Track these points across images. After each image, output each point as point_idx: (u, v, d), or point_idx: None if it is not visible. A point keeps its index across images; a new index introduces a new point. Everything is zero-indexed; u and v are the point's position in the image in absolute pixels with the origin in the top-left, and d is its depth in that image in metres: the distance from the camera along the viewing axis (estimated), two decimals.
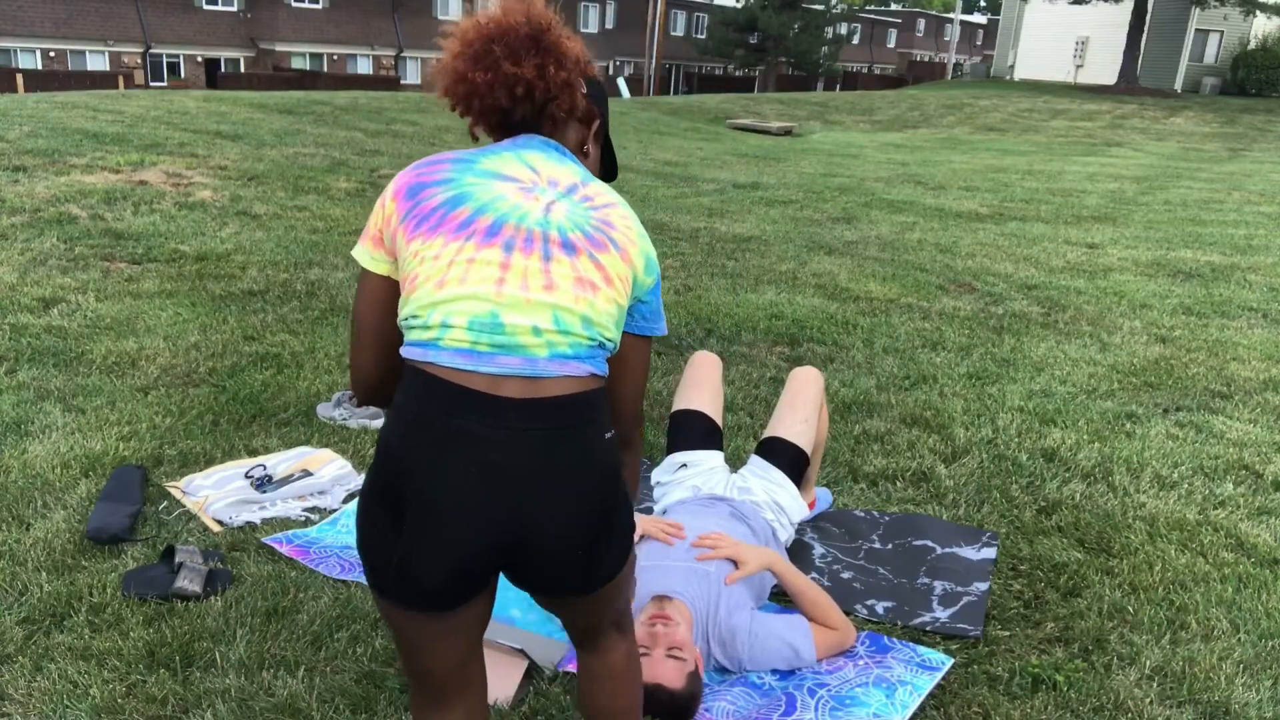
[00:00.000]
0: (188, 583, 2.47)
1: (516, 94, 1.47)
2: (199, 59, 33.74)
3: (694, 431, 2.90)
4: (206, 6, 33.81)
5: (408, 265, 1.43)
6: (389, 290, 1.50)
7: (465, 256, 1.39)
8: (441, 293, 1.38)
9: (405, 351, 1.41)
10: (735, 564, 2.43)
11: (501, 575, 2.28)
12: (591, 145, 1.65)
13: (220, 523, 2.88)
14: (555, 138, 1.57)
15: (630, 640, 1.69)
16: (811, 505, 3.10)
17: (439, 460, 1.32)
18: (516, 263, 1.39)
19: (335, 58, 36.24)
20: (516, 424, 1.33)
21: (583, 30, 44.57)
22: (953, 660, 2.38)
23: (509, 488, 1.33)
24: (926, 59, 61.67)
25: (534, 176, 1.47)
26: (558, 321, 1.38)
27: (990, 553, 2.90)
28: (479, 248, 1.39)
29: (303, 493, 3.07)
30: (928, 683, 2.28)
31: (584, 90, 1.56)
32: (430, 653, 1.47)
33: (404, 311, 1.43)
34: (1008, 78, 35.47)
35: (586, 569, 1.44)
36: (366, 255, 1.51)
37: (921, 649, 2.42)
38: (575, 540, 1.39)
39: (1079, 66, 33.84)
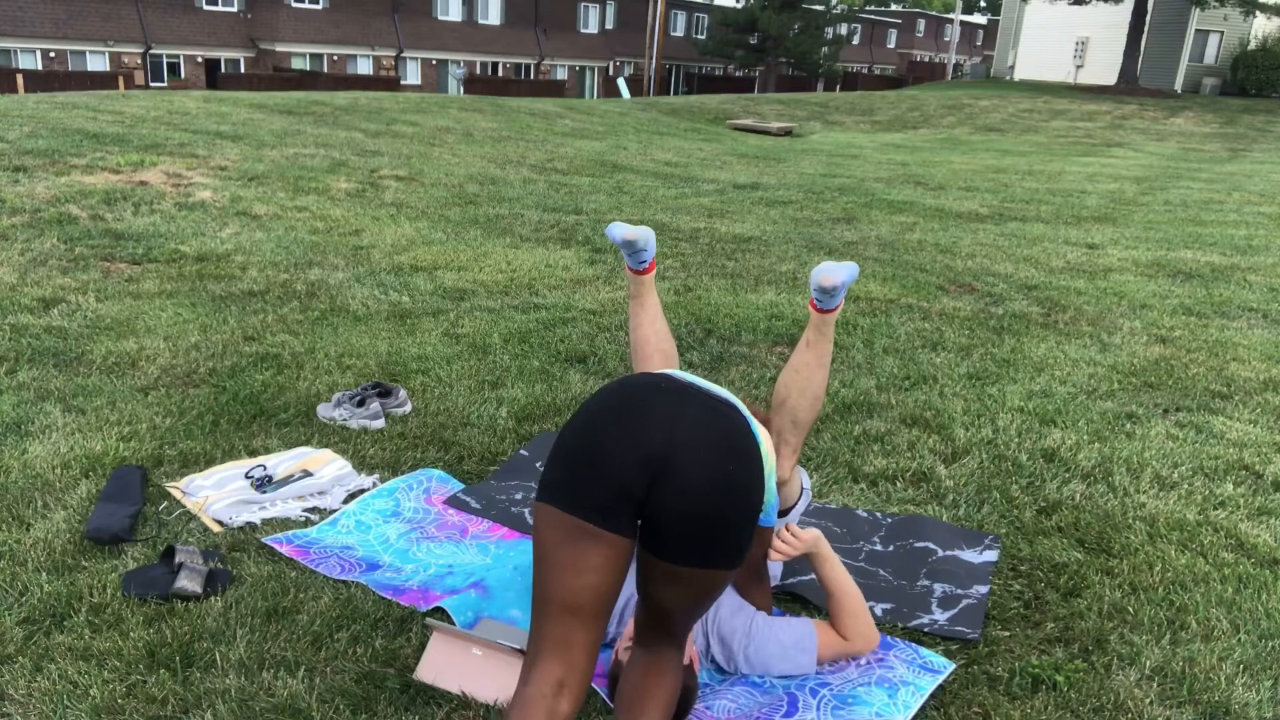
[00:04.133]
0: (188, 583, 2.47)
1: None
2: (199, 59, 33.74)
3: None
4: (207, 7, 33.81)
5: None
6: None
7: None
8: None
9: None
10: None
11: (500, 587, 2.52)
12: None
13: (220, 523, 2.88)
14: None
15: (680, 658, 1.95)
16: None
17: (635, 390, 1.75)
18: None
19: (335, 58, 36.24)
20: (689, 389, 1.75)
21: (583, 30, 44.60)
22: (954, 665, 2.38)
23: (681, 421, 1.69)
24: (926, 59, 61.68)
25: None
26: (709, 382, 1.89)
27: (992, 555, 2.90)
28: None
29: (303, 493, 3.07)
30: (930, 684, 2.28)
31: None
32: (564, 578, 1.69)
33: None
34: (1008, 78, 35.47)
35: (712, 532, 1.69)
36: None
37: (923, 650, 2.42)
38: (717, 480, 1.67)
39: (1079, 67, 33.84)
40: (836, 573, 2.36)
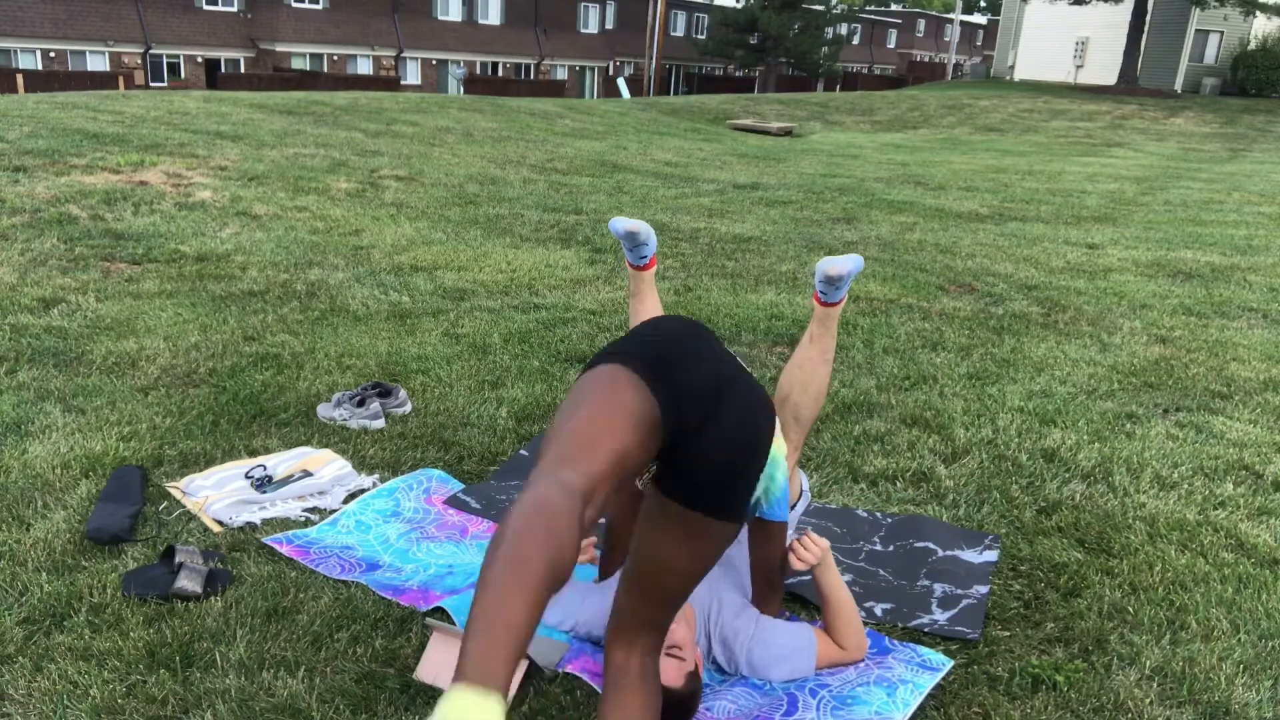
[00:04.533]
0: (188, 583, 2.47)
1: None
2: (199, 59, 33.73)
3: None
4: (207, 7, 33.80)
5: None
6: None
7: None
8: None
9: None
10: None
11: None
12: None
13: (220, 523, 2.88)
14: None
15: (656, 664, 1.93)
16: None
17: (693, 327, 1.85)
18: None
19: (335, 58, 36.23)
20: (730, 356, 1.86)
21: (583, 30, 44.58)
22: (953, 662, 2.38)
23: (728, 363, 1.79)
24: (926, 59, 61.67)
25: None
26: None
27: (992, 555, 2.90)
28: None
29: (303, 493, 3.07)
30: (929, 681, 2.28)
31: None
32: (598, 408, 1.59)
33: None
34: (1008, 78, 35.47)
35: (733, 481, 1.72)
36: None
37: (922, 649, 2.42)
38: (747, 424, 1.72)
39: (1079, 67, 33.84)
40: (836, 582, 2.37)
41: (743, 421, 1.70)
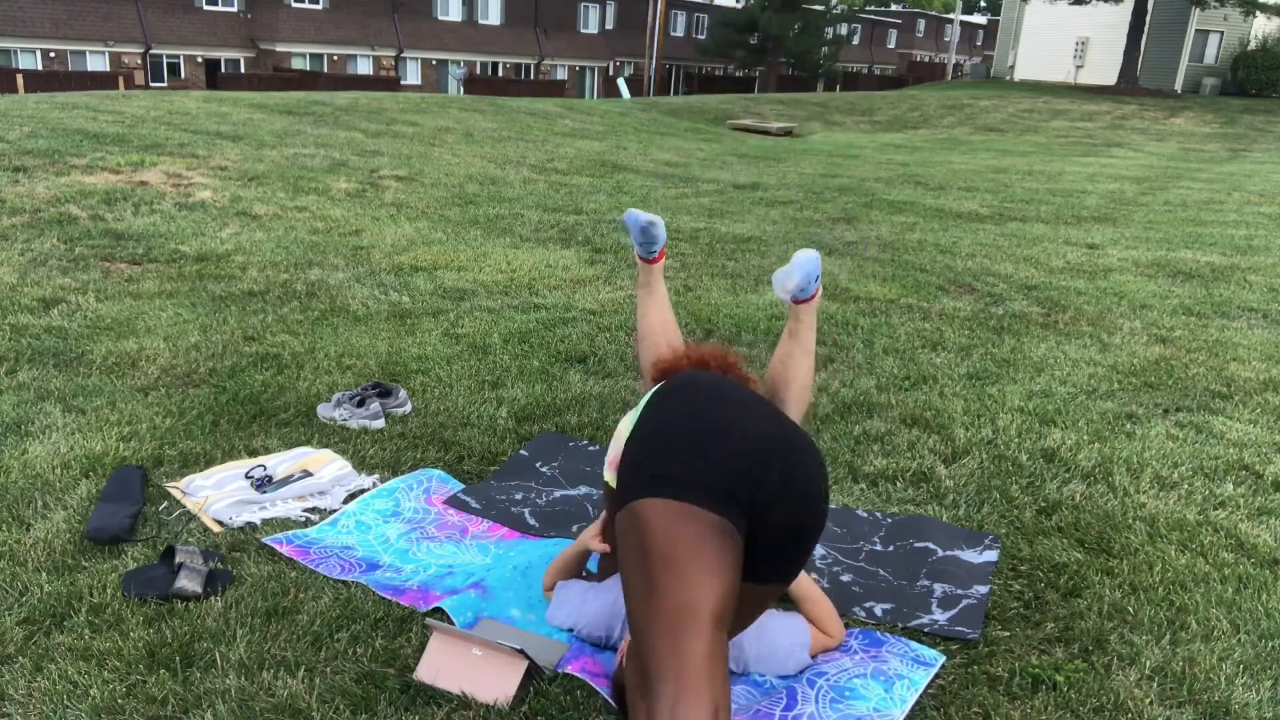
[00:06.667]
0: (188, 583, 2.47)
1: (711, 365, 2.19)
2: (199, 59, 33.73)
3: None
4: (207, 7, 33.81)
5: None
6: None
7: None
8: None
9: None
10: None
11: (500, 587, 2.63)
12: None
13: (220, 523, 2.88)
14: None
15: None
16: None
17: (720, 389, 2.04)
18: None
19: (335, 58, 36.24)
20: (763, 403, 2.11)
21: (583, 30, 44.58)
22: (944, 658, 2.38)
23: (761, 415, 2.04)
24: (926, 59, 61.65)
25: None
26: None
27: (992, 555, 2.90)
28: None
29: (303, 493, 3.07)
30: (924, 677, 2.29)
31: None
32: (711, 582, 1.63)
33: None
34: (1008, 78, 35.46)
35: (804, 545, 1.89)
36: None
37: (914, 644, 2.43)
38: (809, 501, 1.90)
39: (1079, 67, 33.84)
40: (806, 583, 2.45)
41: (805, 500, 1.67)
